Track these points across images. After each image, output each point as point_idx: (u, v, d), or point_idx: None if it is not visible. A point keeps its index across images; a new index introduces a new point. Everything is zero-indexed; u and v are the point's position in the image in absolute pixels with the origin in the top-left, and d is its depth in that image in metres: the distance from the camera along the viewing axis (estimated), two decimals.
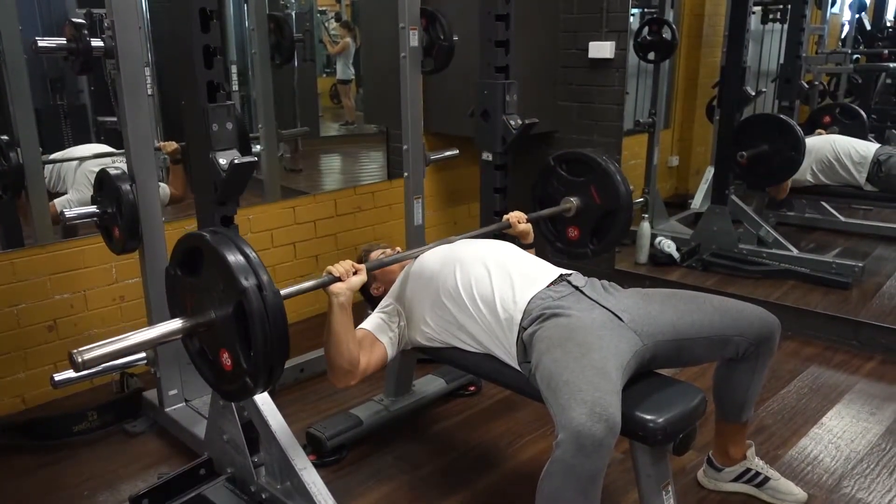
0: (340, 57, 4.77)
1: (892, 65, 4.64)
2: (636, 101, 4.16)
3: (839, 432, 2.42)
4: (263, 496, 1.93)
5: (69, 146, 2.92)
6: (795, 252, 3.73)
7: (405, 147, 2.71)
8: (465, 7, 2.82)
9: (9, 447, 2.34)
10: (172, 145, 2.96)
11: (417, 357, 2.40)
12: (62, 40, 2.02)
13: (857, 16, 4.97)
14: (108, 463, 2.30)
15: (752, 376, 1.87)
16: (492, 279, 1.85)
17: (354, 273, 1.75)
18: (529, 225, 2.28)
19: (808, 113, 4.53)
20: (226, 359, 1.46)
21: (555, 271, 1.90)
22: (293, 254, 3.36)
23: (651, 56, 4.02)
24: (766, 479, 2.03)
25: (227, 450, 2.00)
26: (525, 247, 2.26)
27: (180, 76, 1.82)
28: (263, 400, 1.91)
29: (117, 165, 2.29)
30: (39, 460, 2.31)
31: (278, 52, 3.48)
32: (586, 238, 2.44)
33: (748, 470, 2.04)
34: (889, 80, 4.64)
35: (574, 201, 2.42)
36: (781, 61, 4.15)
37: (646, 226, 3.91)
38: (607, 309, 1.74)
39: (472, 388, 2.70)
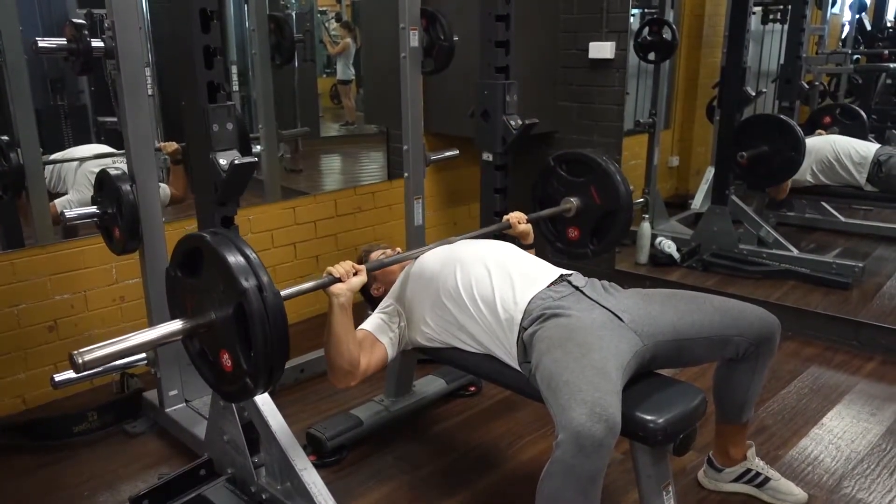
0: (341, 57, 4.77)
1: (892, 65, 4.64)
2: (636, 101, 4.16)
3: (839, 433, 2.42)
4: (264, 497, 1.93)
5: (69, 146, 2.93)
6: (796, 252, 3.73)
7: (405, 147, 2.71)
8: (465, 7, 2.82)
9: (9, 447, 2.34)
10: (173, 146, 2.96)
11: (418, 357, 2.40)
12: (62, 41, 2.02)
13: (857, 16, 4.97)
14: (108, 463, 2.30)
15: (752, 377, 1.87)
16: (492, 279, 1.85)
17: (354, 274, 1.75)
18: (529, 225, 2.28)
19: (808, 113, 4.53)
20: (226, 360, 1.46)
21: (555, 271, 1.90)
22: (293, 254, 3.36)
23: (651, 56, 4.02)
24: (767, 479, 2.03)
25: (227, 450, 2.00)
26: (525, 247, 2.26)
27: (181, 76, 1.82)
28: (264, 400, 1.91)
29: (117, 166, 2.29)
30: (40, 461, 2.31)
31: (279, 52, 3.48)
32: (586, 238, 2.44)
33: (748, 470, 2.04)
34: (889, 81, 4.64)
35: (574, 201, 2.42)
36: (782, 62, 4.15)
37: (646, 226, 3.91)
38: (607, 309, 1.74)
39: (472, 389, 2.70)
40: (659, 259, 3.90)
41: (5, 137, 2.56)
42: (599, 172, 2.36)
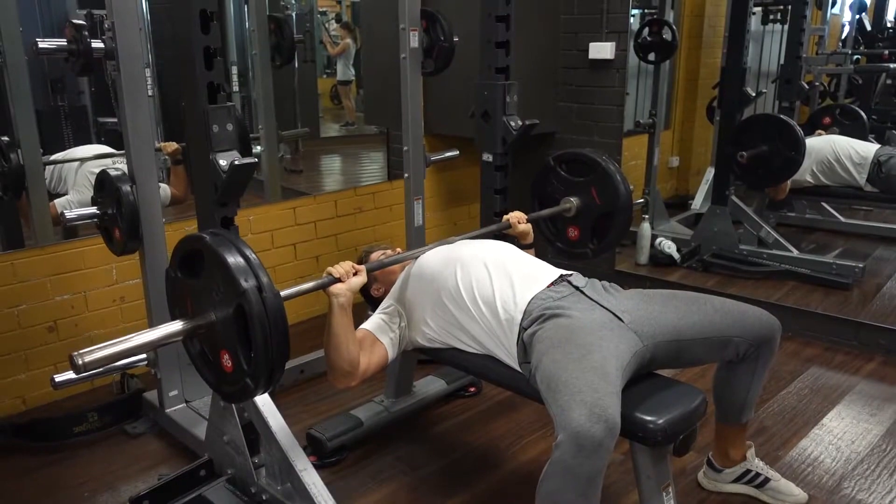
0: (341, 58, 4.78)
1: (892, 65, 4.63)
2: (636, 101, 4.16)
3: (840, 433, 2.42)
4: (264, 497, 1.93)
5: (70, 147, 2.93)
6: (796, 253, 3.73)
7: (405, 148, 2.71)
8: (465, 8, 2.82)
9: (9, 448, 2.34)
10: (173, 146, 2.97)
11: (418, 358, 2.40)
12: (63, 41, 2.02)
13: (857, 16, 4.97)
14: (108, 464, 2.30)
15: (752, 377, 1.87)
16: (492, 280, 1.85)
17: (354, 274, 1.76)
18: (529, 225, 2.28)
19: (808, 113, 4.53)
20: (226, 360, 1.46)
21: (555, 272, 1.90)
22: (294, 255, 3.36)
23: (651, 57, 4.03)
24: (767, 479, 2.03)
25: (227, 451, 2.00)
26: (525, 247, 2.26)
27: (181, 77, 1.82)
28: (264, 401, 1.91)
29: (117, 167, 2.29)
30: (40, 461, 2.31)
31: (279, 53, 3.48)
32: (586, 238, 2.44)
33: (748, 471, 2.04)
34: (889, 81, 4.64)
35: (574, 201, 2.42)
36: (782, 62, 4.15)
37: (646, 227, 3.91)
38: (608, 309, 1.74)
39: (472, 389, 2.70)
40: (659, 259, 3.90)
41: (6, 138, 2.56)
42: (599, 172, 2.36)
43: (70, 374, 2.11)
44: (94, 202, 2.22)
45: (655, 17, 4.02)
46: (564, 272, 1.90)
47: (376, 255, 2.21)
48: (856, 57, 4.84)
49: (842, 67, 4.73)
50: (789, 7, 4.27)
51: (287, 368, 2.75)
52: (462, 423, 2.53)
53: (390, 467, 2.26)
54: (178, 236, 1.59)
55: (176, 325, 1.49)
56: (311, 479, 1.85)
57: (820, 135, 4.14)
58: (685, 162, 4.93)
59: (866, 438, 2.38)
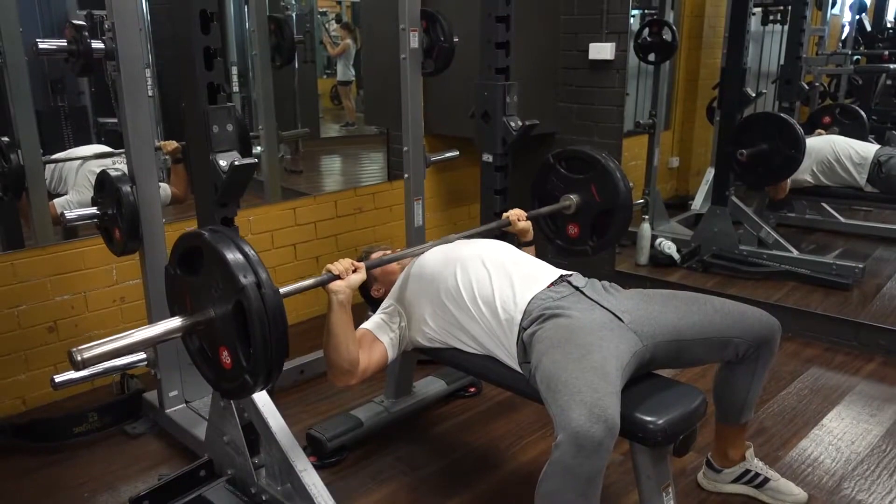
0: (341, 58, 4.79)
1: (892, 66, 4.63)
2: (636, 102, 4.16)
3: (839, 434, 2.42)
4: (264, 498, 1.93)
5: (70, 148, 2.93)
6: (796, 253, 3.73)
7: (405, 148, 2.71)
8: (465, 8, 2.83)
9: (9, 448, 2.34)
10: (173, 144, 2.96)
11: (418, 358, 2.40)
12: (63, 42, 2.02)
13: (857, 17, 4.97)
14: (108, 464, 2.30)
15: (751, 378, 1.87)
16: (492, 280, 1.85)
17: (354, 271, 1.75)
18: (529, 222, 2.28)
19: (808, 114, 4.53)
20: (225, 357, 1.46)
21: (555, 272, 1.90)
22: (294, 255, 3.36)
23: (651, 57, 4.02)
24: (766, 479, 2.03)
25: (227, 451, 2.00)
26: (525, 244, 2.26)
27: (181, 78, 1.82)
28: (264, 401, 1.91)
29: (117, 167, 2.30)
30: (40, 461, 2.31)
31: (279, 53, 3.48)
32: (586, 235, 2.44)
33: (748, 471, 2.04)
34: (889, 82, 4.64)
35: (574, 199, 2.42)
36: (782, 62, 4.15)
37: (646, 227, 3.91)
38: (607, 309, 1.74)
39: (472, 390, 2.70)
40: (659, 260, 3.90)
41: (6, 138, 2.56)
42: (599, 169, 2.36)
43: (70, 375, 2.11)
44: (94, 202, 2.22)
45: (655, 17, 4.02)
46: (564, 272, 1.90)
47: (376, 256, 2.21)
48: (856, 57, 4.84)
49: (842, 68, 4.73)
50: (789, 7, 4.27)
51: (287, 369, 2.77)
52: (462, 423, 2.53)
53: (390, 468, 2.26)
54: (178, 236, 1.59)
55: (175, 322, 1.49)
56: (311, 480, 1.85)
57: (820, 134, 4.14)
58: (685, 162, 4.93)
59: (866, 439, 2.38)
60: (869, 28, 4.95)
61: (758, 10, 4.52)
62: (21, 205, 2.68)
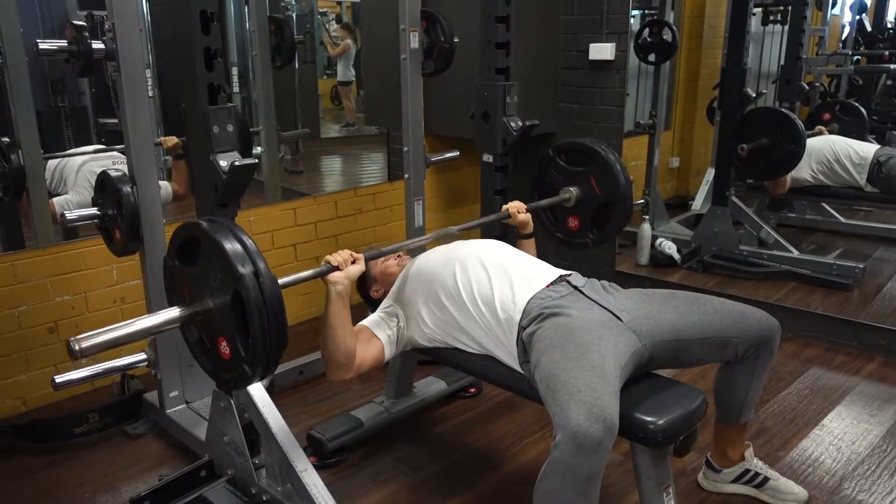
0: (341, 59, 4.79)
1: (892, 66, 4.63)
2: (637, 102, 4.16)
3: (840, 434, 2.42)
4: (264, 498, 1.93)
5: (70, 148, 2.93)
6: (796, 253, 3.73)
7: (406, 149, 2.71)
8: (465, 9, 2.83)
9: (10, 449, 2.34)
10: (173, 140, 2.96)
11: (418, 359, 2.40)
12: (63, 42, 2.02)
13: (857, 17, 4.97)
14: (108, 465, 2.30)
15: (751, 378, 1.87)
16: (491, 280, 1.85)
17: (353, 262, 1.75)
18: (529, 215, 2.27)
19: (808, 114, 4.53)
20: (224, 347, 1.46)
21: (554, 272, 1.90)
22: (294, 255, 3.36)
23: (651, 58, 4.02)
24: (766, 479, 2.03)
25: (227, 451, 2.00)
26: (525, 237, 2.26)
27: (181, 78, 1.82)
28: (264, 402, 1.91)
29: (118, 167, 2.30)
30: (40, 462, 2.31)
31: (279, 53, 3.48)
32: (586, 228, 2.44)
33: (747, 471, 2.04)
34: (890, 82, 4.64)
35: (574, 191, 2.41)
36: (782, 63, 4.15)
37: (646, 227, 3.91)
38: (606, 308, 1.74)
39: (472, 390, 2.70)
40: (659, 260, 3.90)
41: (6, 139, 2.56)
42: (599, 162, 2.35)
43: (70, 375, 2.10)
44: (94, 203, 2.22)
45: (656, 17, 4.02)
46: (563, 272, 1.90)
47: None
48: (856, 58, 4.84)
49: (842, 68, 4.73)
50: (789, 8, 4.27)
51: (287, 369, 2.78)
52: (462, 423, 2.53)
53: (390, 468, 2.26)
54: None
55: (173, 312, 1.49)
56: (312, 480, 1.85)
57: (820, 131, 4.13)
58: (685, 163, 4.93)
59: (867, 439, 2.38)
60: (869, 28, 4.95)
61: (758, 10, 4.52)
62: (21, 205, 2.68)
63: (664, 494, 1.64)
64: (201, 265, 1.47)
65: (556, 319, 1.70)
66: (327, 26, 4.75)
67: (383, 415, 2.42)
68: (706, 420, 1.76)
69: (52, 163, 2.83)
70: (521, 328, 1.74)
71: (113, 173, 2.14)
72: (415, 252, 2.73)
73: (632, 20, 3.58)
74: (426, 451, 2.36)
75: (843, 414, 2.55)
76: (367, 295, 2.23)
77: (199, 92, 1.75)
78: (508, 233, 2.45)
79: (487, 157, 2.65)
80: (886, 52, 4.73)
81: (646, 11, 4.16)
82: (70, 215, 2.13)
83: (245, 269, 1.37)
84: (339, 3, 4.95)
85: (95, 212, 2.19)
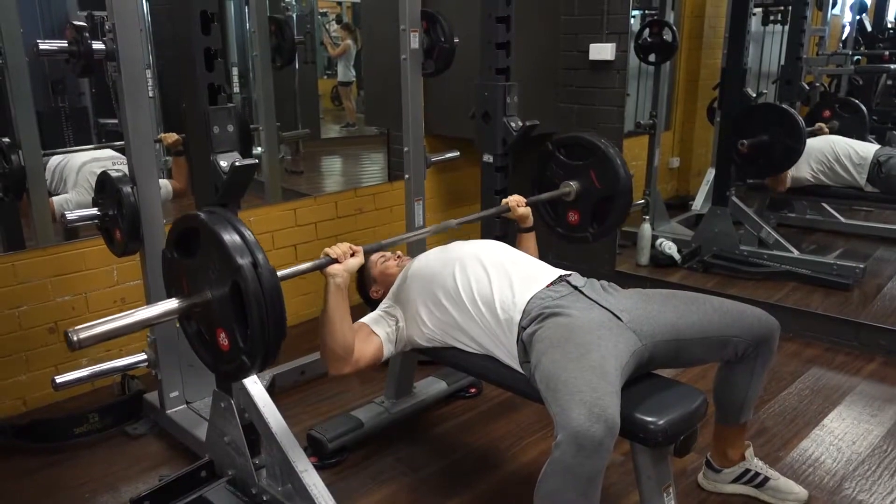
0: (341, 59, 4.78)
1: (892, 66, 4.63)
2: (637, 102, 4.16)
3: (840, 434, 2.42)
4: (264, 498, 1.93)
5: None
6: (796, 253, 3.73)
7: (406, 149, 2.71)
8: (465, 9, 2.83)
9: (10, 449, 2.34)
10: (173, 136, 2.95)
11: (418, 359, 2.40)
12: (63, 43, 2.03)
13: (857, 17, 4.97)
14: (109, 465, 2.30)
15: (750, 377, 1.87)
16: (491, 280, 1.85)
17: (352, 255, 1.76)
18: (529, 209, 2.27)
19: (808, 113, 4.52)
20: (223, 339, 1.46)
21: (554, 272, 1.90)
22: (294, 256, 3.36)
23: (652, 58, 4.02)
24: (766, 479, 2.03)
25: (228, 452, 2.00)
26: (524, 231, 2.26)
27: (181, 78, 1.82)
28: (264, 402, 1.91)
29: (118, 168, 2.30)
30: (41, 462, 2.31)
31: (279, 54, 3.49)
32: (586, 222, 2.44)
33: (747, 471, 2.04)
34: (890, 82, 4.63)
35: (573, 185, 2.41)
36: (782, 63, 4.15)
37: (647, 227, 3.91)
38: (606, 308, 1.74)
39: (472, 390, 2.70)
40: (660, 260, 3.90)
41: (6, 139, 2.56)
42: (599, 156, 2.35)
43: (71, 375, 2.11)
44: (94, 203, 2.22)
45: (656, 18, 4.02)
46: (563, 272, 1.91)
47: (376, 257, 2.22)
48: (856, 58, 4.83)
49: (842, 68, 4.73)
50: (790, 8, 4.27)
51: (287, 370, 2.78)
52: (462, 424, 2.53)
53: (391, 468, 2.26)
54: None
55: (172, 303, 1.49)
56: (312, 480, 1.85)
57: (820, 128, 4.12)
58: (686, 163, 4.93)
59: (867, 439, 2.38)
60: (869, 28, 4.94)
61: (758, 10, 4.52)
62: (22, 205, 2.68)
63: (664, 494, 1.64)
64: (200, 257, 1.47)
65: (556, 319, 1.70)
66: (327, 27, 4.75)
67: (384, 415, 2.42)
68: (706, 420, 1.76)
69: (52, 163, 2.83)
70: (522, 328, 1.74)
71: (113, 174, 2.15)
72: (415, 247, 2.74)
73: (632, 20, 3.58)
74: (426, 452, 2.36)
75: (843, 414, 2.55)
76: (366, 295, 2.23)
77: (199, 92, 1.75)
78: (508, 233, 2.46)
79: (488, 158, 2.65)
80: (886, 52, 4.73)
81: (646, 12, 4.16)
82: (70, 216, 2.13)
83: (244, 260, 1.37)
84: (340, 4, 4.95)
85: (96, 212, 2.19)
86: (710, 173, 4.32)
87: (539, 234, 2.33)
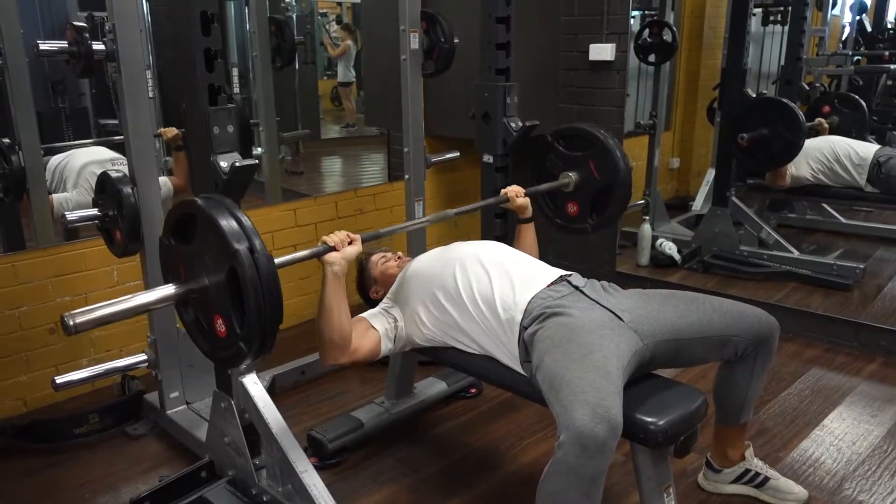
0: (341, 59, 4.79)
1: (892, 66, 4.63)
2: (637, 103, 4.16)
3: (840, 434, 2.42)
4: (265, 498, 1.93)
5: (70, 148, 2.93)
6: (796, 254, 3.73)
7: (406, 149, 2.71)
8: (465, 9, 2.83)
9: (10, 449, 2.34)
10: (173, 131, 2.95)
11: (418, 359, 2.40)
12: (64, 43, 2.03)
13: (857, 17, 4.97)
14: (109, 465, 2.30)
15: (750, 377, 1.87)
16: (492, 280, 1.85)
17: (350, 243, 1.76)
18: (527, 199, 2.27)
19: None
20: (220, 325, 1.46)
21: (554, 272, 1.91)
22: None
23: (652, 58, 4.02)
24: (766, 479, 2.03)
25: (228, 452, 2.01)
26: (523, 222, 2.26)
27: (182, 79, 1.82)
28: (264, 402, 1.91)
29: (118, 168, 2.30)
30: (41, 462, 2.31)
31: (279, 54, 3.49)
32: (585, 213, 2.44)
33: (747, 471, 2.04)
34: (890, 82, 4.63)
35: (573, 176, 2.41)
36: (782, 63, 4.15)
37: (647, 228, 3.91)
38: (607, 308, 1.74)
39: (473, 391, 2.70)
40: (660, 261, 3.90)
41: (7, 140, 2.56)
42: (598, 146, 2.35)
43: (71, 376, 2.11)
44: (94, 204, 2.22)
45: (656, 18, 4.02)
46: (564, 272, 1.91)
47: (376, 258, 2.22)
48: (856, 58, 4.83)
49: (842, 68, 4.73)
50: (789, 8, 4.27)
51: (287, 370, 2.78)
52: (462, 424, 2.53)
53: (391, 468, 2.26)
54: None
55: (168, 289, 1.49)
56: (312, 481, 1.85)
57: (820, 123, 4.11)
58: (686, 163, 4.92)
59: (867, 439, 2.38)
60: (869, 29, 4.94)
61: (758, 10, 4.52)
62: (22, 206, 2.68)
63: (665, 495, 1.64)
64: (197, 243, 1.47)
65: (557, 319, 1.70)
66: (327, 27, 4.75)
67: (384, 415, 2.42)
68: (706, 420, 1.76)
69: (52, 163, 2.83)
70: (523, 328, 1.74)
71: (113, 174, 2.15)
72: (415, 244, 2.74)
73: (632, 21, 3.58)
74: (426, 452, 2.36)
75: (843, 414, 2.55)
76: (366, 296, 2.24)
77: (199, 93, 1.75)
78: (508, 234, 2.46)
79: (488, 158, 2.65)
80: (886, 53, 4.73)
81: (646, 12, 4.16)
82: (70, 216, 2.13)
83: (240, 246, 1.37)
84: (340, 4, 4.95)
85: (96, 213, 2.19)
86: (710, 174, 4.32)
87: (538, 228, 2.33)
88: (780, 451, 2.32)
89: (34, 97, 2.63)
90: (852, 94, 4.35)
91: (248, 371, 1.92)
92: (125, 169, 2.19)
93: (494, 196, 2.63)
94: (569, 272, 1.92)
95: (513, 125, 2.58)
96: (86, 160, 2.87)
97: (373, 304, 2.14)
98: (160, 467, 2.28)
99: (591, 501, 1.44)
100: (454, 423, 2.53)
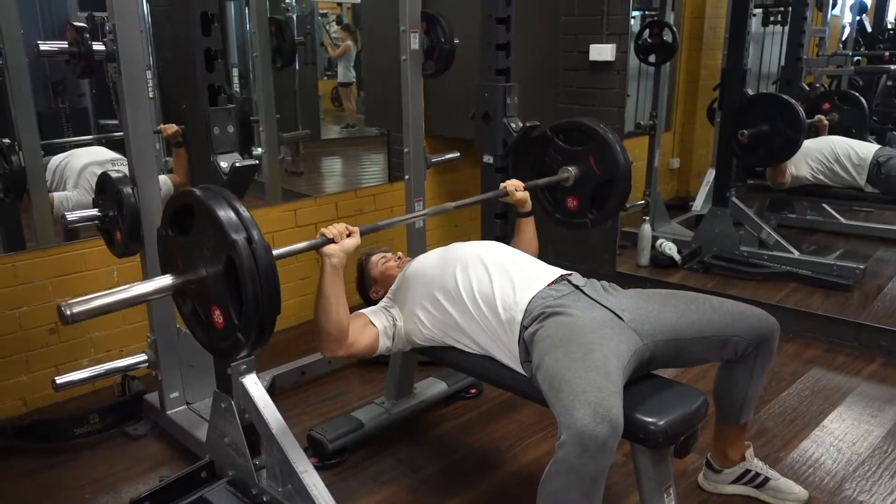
0: (341, 60, 4.79)
1: (892, 67, 4.64)
2: (637, 103, 4.16)
3: (841, 435, 2.42)
4: (265, 499, 1.93)
5: (71, 149, 2.93)
6: (796, 254, 3.73)
7: (406, 150, 2.71)
8: (465, 10, 2.83)
9: (11, 449, 2.34)
10: (172, 127, 2.95)
11: (418, 360, 2.40)
12: (64, 44, 2.03)
13: (857, 18, 4.97)
14: (109, 466, 2.30)
15: (750, 377, 1.87)
16: (492, 280, 1.85)
17: (348, 235, 1.76)
18: (527, 193, 2.27)
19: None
20: (217, 316, 1.46)
21: (555, 271, 1.91)
22: (295, 256, 3.35)
23: (652, 58, 4.02)
24: (767, 479, 2.03)
25: (228, 452, 2.00)
26: (523, 216, 2.26)
27: (182, 79, 1.82)
28: (264, 402, 1.91)
29: (118, 168, 2.30)
30: (41, 463, 2.31)
31: (279, 55, 3.49)
32: (585, 208, 2.43)
33: (748, 471, 2.04)
34: (890, 82, 4.63)
35: (572, 170, 2.40)
36: (782, 64, 4.15)
37: (647, 228, 3.91)
38: (607, 308, 1.74)
39: (473, 391, 2.70)
40: (660, 261, 3.90)
41: (7, 140, 2.56)
42: (598, 141, 2.35)
43: (71, 376, 2.11)
44: (94, 204, 2.22)
45: (656, 18, 4.02)
46: (564, 272, 1.91)
47: (377, 258, 2.22)
48: (856, 58, 4.84)
49: (842, 69, 4.73)
50: (790, 9, 4.27)
51: (287, 370, 2.78)
52: (462, 424, 2.53)
53: (391, 469, 2.26)
54: None
55: (166, 280, 1.49)
56: (312, 481, 1.85)
57: (820, 120, 4.11)
58: (686, 163, 4.93)
59: (867, 440, 2.38)
60: (869, 29, 4.95)
61: (758, 11, 4.52)
62: (22, 206, 2.68)
63: (665, 495, 1.64)
64: (195, 234, 1.47)
65: (558, 318, 1.70)
66: (328, 27, 4.75)
67: (384, 416, 2.42)
68: (706, 421, 1.76)
69: (52, 163, 2.83)
70: (524, 328, 1.74)
71: (113, 174, 2.15)
72: (415, 244, 2.74)
73: (632, 21, 3.58)
74: (427, 452, 2.36)
75: (843, 415, 2.55)
76: (366, 296, 2.24)
77: (199, 93, 1.75)
78: (509, 234, 2.46)
79: (488, 158, 2.66)
80: (887, 53, 4.74)
81: (646, 12, 4.16)
82: (71, 217, 2.13)
83: (238, 236, 1.37)
84: (340, 5, 4.95)
85: (96, 213, 2.19)
86: (711, 174, 4.32)
87: (538, 224, 2.33)
88: (781, 452, 2.32)
89: (34, 97, 2.63)
90: (852, 92, 4.35)
91: (248, 371, 1.92)
92: (125, 169, 2.19)
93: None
94: (569, 272, 1.92)
95: (513, 125, 2.58)
96: (86, 160, 2.87)
97: (373, 304, 2.14)
98: (160, 467, 2.28)
99: (592, 501, 1.44)
100: (454, 424, 2.53)
